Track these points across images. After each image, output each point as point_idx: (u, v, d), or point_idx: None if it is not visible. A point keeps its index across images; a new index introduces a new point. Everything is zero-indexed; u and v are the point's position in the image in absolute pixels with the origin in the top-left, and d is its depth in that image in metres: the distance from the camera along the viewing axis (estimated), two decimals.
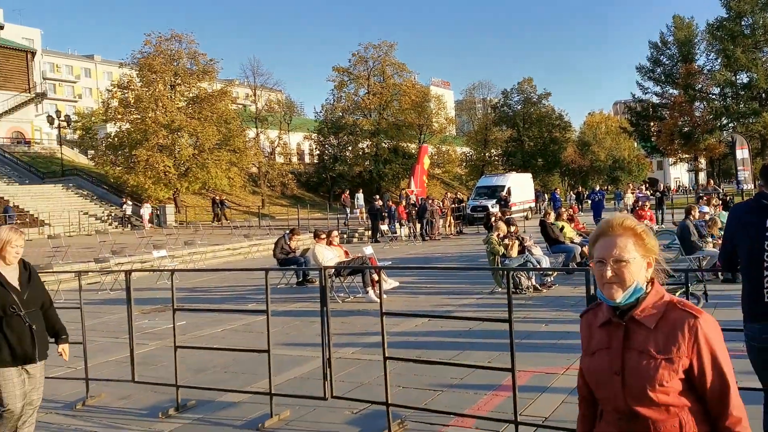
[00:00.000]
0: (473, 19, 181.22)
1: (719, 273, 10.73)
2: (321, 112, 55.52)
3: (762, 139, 43.66)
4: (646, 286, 2.04)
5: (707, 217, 14.65)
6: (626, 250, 2.00)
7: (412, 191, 31.07)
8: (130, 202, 37.55)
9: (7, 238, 4.42)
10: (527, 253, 12.63)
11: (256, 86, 51.99)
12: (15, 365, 4.39)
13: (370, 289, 11.56)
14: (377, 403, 5.28)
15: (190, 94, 41.92)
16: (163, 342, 8.60)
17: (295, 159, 59.26)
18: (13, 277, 4.49)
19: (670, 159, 57.32)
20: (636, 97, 53.41)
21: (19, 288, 4.47)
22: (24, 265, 4.61)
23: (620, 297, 1.99)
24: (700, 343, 1.93)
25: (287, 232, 15.48)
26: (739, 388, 5.04)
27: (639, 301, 2.01)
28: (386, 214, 27.27)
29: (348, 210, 34.41)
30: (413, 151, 50.29)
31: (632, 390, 1.95)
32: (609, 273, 1.99)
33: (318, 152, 55.60)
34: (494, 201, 30.95)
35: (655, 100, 52.87)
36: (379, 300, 5.71)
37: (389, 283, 12.24)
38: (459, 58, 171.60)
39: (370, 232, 27.04)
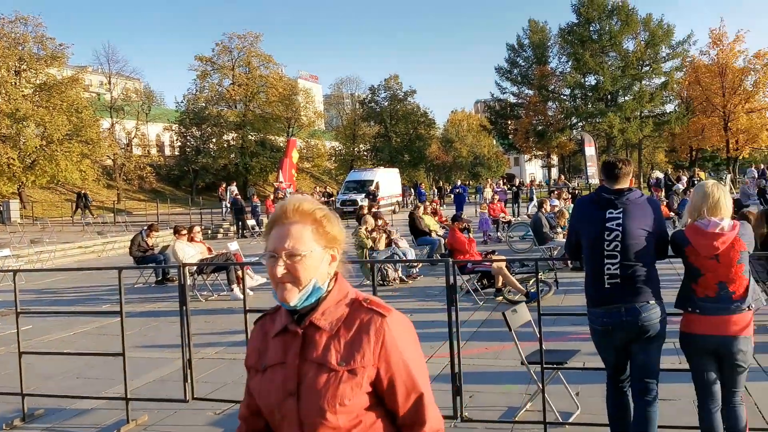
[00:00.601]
0: (340, 14, 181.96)
1: (569, 262, 11.51)
2: (183, 102, 53.33)
3: (607, 137, 47.26)
4: (329, 282, 1.71)
5: (557, 209, 15.69)
6: (302, 242, 1.65)
7: (282, 185, 30.72)
8: None
9: None
10: (394, 245, 12.92)
11: (111, 74, 49.07)
12: None
13: (234, 286, 11.29)
14: (241, 402, 5.15)
15: (38, 81, 38.88)
16: (6, 348, 7.90)
17: (154, 151, 56.56)
18: None
19: (526, 156, 60.87)
20: (495, 96, 56.09)
21: None
22: None
23: (295, 299, 1.65)
24: (388, 348, 1.62)
25: (145, 228, 14.80)
26: (585, 369, 5.44)
27: (319, 302, 1.68)
28: (249, 209, 26.65)
29: (224, 204, 33.31)
30: (281, 144, 49.69)
31: (309, 413, 1.62)
32: (281, 270, 1.64)
33: (179, 144, 53.42)
34: (363, 195, 31.35)
35: (512, 99, 55.79)
36: (243, 297, 5.58)
37: (255, 279, 12.05)
38: (327, 53, 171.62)
39: (235, 227, 26.42)
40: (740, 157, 48.25)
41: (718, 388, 3.72)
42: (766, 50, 43.12)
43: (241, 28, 65.22)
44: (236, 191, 29.78)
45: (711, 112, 45.26)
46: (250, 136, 51.62)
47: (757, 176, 28.87)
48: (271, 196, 28.56)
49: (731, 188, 29.71)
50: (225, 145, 51.30)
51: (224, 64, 51.88)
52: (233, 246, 13.93)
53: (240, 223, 25.84)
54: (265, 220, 22.76)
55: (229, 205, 32.03)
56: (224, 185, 34.54)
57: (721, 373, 3.70)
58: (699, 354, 3.71)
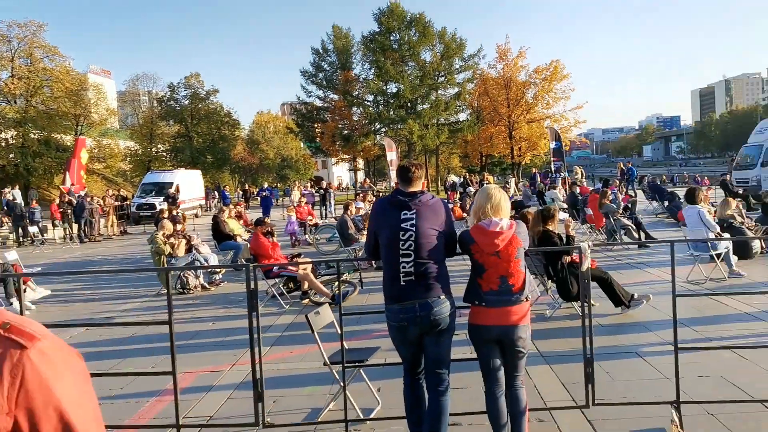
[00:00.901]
0: (136, 7, 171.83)
1: (373, 262, 11.88)
2: None
3: (408, 143, 49.57)
4: None
5: (362, 212, 16.15)
6: None
7: (68, 188, 28.17)
8: None
9: None
10: (195, 251, 12.43)
11: None
12: None
13: (13, 299, 10.13)
14: None
15: None
16: None
17: None
18: None
19: (333, 159, 61.95)
20: (301, 99, 56.39)
21: None
22: None
23: None
24: (30, 390, 1.20)
25: None
26: (386, 365, 5.59)
27: None
28: (26, 214, 23.68)
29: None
30: (69, 143, 45.65)
31: None
32: None
33: None
34: (162, 198, 29.86)
35: (318, 103, 56.44)
36: (20, 311, 4.99)
37: (38, 292, 10.95)
38: (120, 48, 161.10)
39: (14, 235, 23.74)
40: (523, 163, 53.24)
41: (502, 374, 4.04)
42: (544, 66, 48.10)
43: (22, 15, 58.86)
44: (15, 195, 26.79)
45: (498, 121, 49.44)
46: (32, 135, 46.75)
47: (529, 180, 31.96)
48: (57, 200, 26.08)
49: (515, 191, 32.63)
50: (2, 144, 46.05)
51: (2, 54, 46.53)
52: (11, 256, 12.49)
53: (19, 230, 23.30)
54: (50, 227, 20.58)
55: (5, 210, 28.58)
56: (8, 189, 30.92)
57: (504, 360, 4.02)
58: (485, 343, 4.00)
